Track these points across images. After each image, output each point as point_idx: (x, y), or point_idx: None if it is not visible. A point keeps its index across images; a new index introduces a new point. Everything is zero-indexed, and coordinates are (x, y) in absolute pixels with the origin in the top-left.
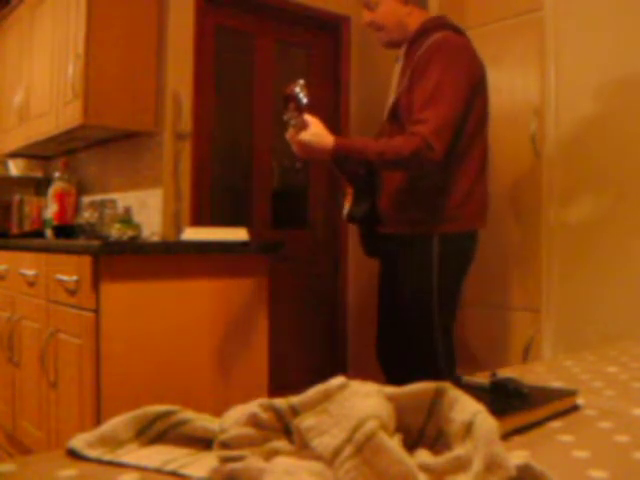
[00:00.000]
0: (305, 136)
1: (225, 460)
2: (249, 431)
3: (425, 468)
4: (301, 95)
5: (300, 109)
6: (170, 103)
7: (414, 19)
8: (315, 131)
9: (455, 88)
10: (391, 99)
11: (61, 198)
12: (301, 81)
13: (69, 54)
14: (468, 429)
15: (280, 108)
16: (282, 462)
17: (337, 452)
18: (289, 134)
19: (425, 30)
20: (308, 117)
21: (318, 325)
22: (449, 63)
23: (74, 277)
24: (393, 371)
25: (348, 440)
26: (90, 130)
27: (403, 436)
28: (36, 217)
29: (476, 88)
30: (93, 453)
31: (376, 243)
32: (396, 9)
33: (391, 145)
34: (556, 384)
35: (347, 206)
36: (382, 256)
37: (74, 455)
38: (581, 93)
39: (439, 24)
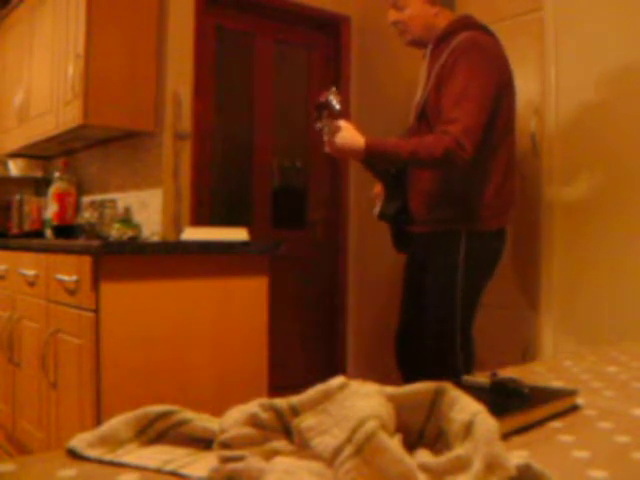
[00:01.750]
0: (337, 139)
1: (225, 460)
2: (249, 431)
3: (425, 468)
4: (334, 102)
5: (333, 115)
6: (170, 103)
7: (441, 19)
8: (346, 134)
9: (483, 87)
10: (418, 98)
11: (61, 198)
12: (333, 88)
13: (69, 54)
14: (468, 429)
15: (313, 117)
16: (282, 462)
17: (337, 452)
18: (324, 140)
19: (452, 30)
20: (340, 122)
21: (318, 325)
22: (477, 63)
23: (74, 277)
24: (409, 369)
25: (348, 440)
26: (90, 130)
27: (403, 436)
28: (36, 217)
29: (504, 87)
30: (93, 453)
31: (407, 240)
32: (424, 10)
33: (423, 144)
34: (556, 384)
35: (378, 205)
36: (410, 254)
37: (74, 455)
38: (581, 93)
39: (466, 24)
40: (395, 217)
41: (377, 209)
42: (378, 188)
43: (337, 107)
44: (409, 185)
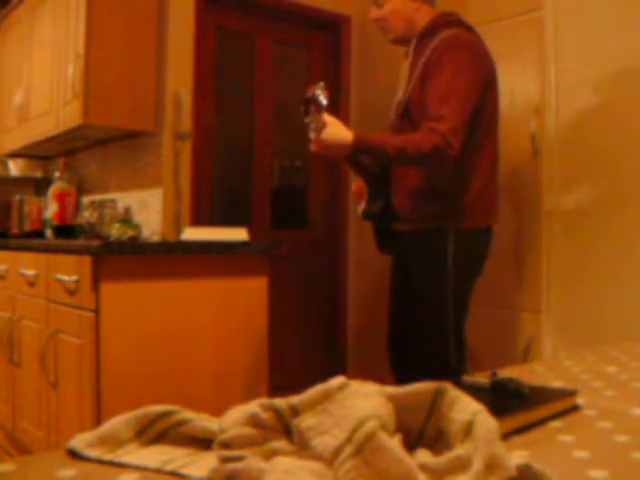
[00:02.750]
0: (324, 135)
1: (225, 460)
2: (249, 431)
3: (425, 468)
4: (321, 97)
5: (320, 110)
6: (170, 103)
7: (422, 15)
8: (333, 130)
9: (468, 85)
10: (400, 95)
11: (61, 198)
12: (321, 83)
13: (69, 54)
14: (468, 429)
15: (301, 111)
16: (282, 462)
17: (337, 452)
18: (310, 135)
19: (435, 27)
20: (327, 117)
21: (318, 325)
22: (462, 60)
23: (74, 277)
24: (403, 369)
25: (348, 440)
26: (90, 130)
27: (403, 436)
28: (36, 217)
29: (488, 85)
30: (93, 453)
31: (391, 240)
32: (404, 5)
33: (411, 141)
34: (556, 384)
35: (362, 204)
36: (396, 253)
37: (74, 455)
38: (581, 92)
39: (449, 21)
40: (380, 216)
41: (361, 208)
42: (358, 185)
43: (324, 102)
44: (393, 182)
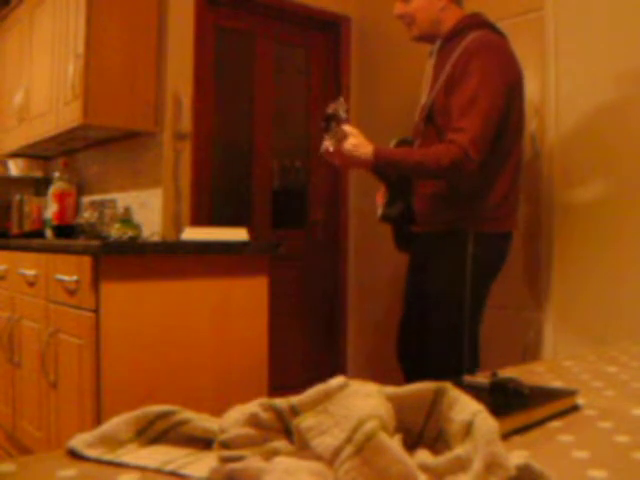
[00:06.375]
0: (347, 146)
1: (225, 460)
2: (249, 431)
3: (425, 468)
4: (341, 112)
5: (340, 123)
6: (170, 103)
7: (448, 15)
8: (354, 142)
9: (493, 94)
10: (424, 99)
11: (61, 198)
12: (341, 99)
13: (69, 54)
14: (468, 429)
15: (322, 127)
16: (282, 462)
17: (337, 452)
18: (324, 147)
19: (462, 28)
20: (347, 127)
21: (318, 325)
22: (488, 66)
23: (74, 277)
24: (414, 368)
25: (348, 440)
26: (90, 130)
27: (403, 436)
28: (36, 217)
29: (514, 91)
30: (93, 453)
31: (409, 240)
32: (430, 3)
33: (430, 154)
34: (556, 384)
35: (381, 206)
36: (413, 253)
37: (74, 455)
38: (581, 92)
39: (477, 22)
40: (398, 219)
41: (380, 211)
42: (382, 192)
43: (344, 116)
44: (415, 187)
